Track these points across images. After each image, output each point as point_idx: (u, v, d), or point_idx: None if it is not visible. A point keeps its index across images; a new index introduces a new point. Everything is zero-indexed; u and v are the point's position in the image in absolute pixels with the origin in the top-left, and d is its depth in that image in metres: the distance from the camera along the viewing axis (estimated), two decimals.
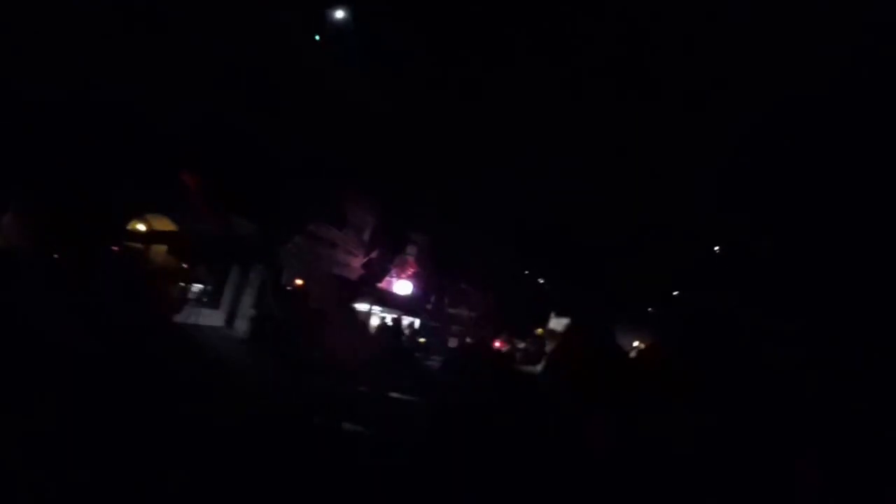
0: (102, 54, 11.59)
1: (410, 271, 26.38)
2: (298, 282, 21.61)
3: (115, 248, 12.55)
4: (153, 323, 11.94)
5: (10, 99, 10.39)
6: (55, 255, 10.98)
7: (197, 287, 16.24)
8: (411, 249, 26.84)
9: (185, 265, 14.81)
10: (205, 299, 16.53)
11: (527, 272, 33.72)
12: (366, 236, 24.09)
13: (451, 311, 31.23)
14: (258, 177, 15.43)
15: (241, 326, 16.27)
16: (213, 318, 16.24)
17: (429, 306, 29.19)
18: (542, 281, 34.40)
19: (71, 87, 11.02)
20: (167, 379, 7.52)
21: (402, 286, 25.49)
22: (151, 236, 14.12)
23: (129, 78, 11.98)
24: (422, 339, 23.51)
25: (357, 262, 23.11)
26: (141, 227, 14.01)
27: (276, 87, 15.65)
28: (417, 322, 22.01)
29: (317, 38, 16.40)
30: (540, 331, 33.77)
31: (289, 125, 15.88)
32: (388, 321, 19.87)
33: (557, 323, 34.04)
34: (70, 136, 11.16)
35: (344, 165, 18.41)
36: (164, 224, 14.15)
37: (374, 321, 19.18)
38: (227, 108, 14.21)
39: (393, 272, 25.22)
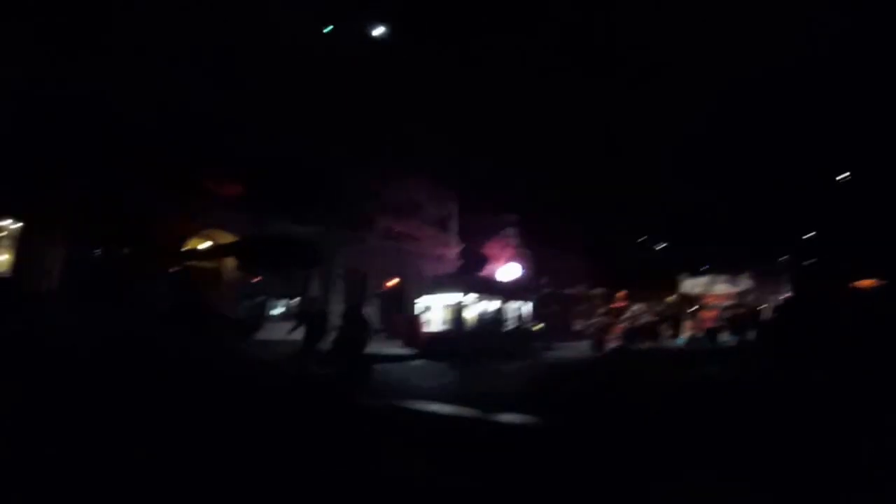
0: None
1: (512, 255, 24.37)
2: (391, 282, 20.41)
3: (173, 271, 12.15)
4: (229, 344, 11.31)
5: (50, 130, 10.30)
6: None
7: (282, 302, 15.69)
8: (508, 231, 24.85)
9: (256, 278, 14.23)
10: (290, 312, 15.95)
11: (644, 238, 30.31)
12: (452, 225, 22.54)
13: (569, 291, 28.61)
14: (310, 179, 14.59)
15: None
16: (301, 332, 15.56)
17: (546, 290, 26.94)
18: (663, 245, 30.75)
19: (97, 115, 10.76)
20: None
21: (507, 271, 23.54)
22: (220, 251, 13.65)
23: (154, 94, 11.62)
24: (539, 325, 21.44)
25: (451, 253, 21.61)
26: (206, 244, 13.60)
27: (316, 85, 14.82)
28: (528, 307, 19.98)
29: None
30: (682, 295, 30.09)
31: (331, 124, 14.99)
32: (490, 309, 18.06)
33: (693, 284, 30.23)
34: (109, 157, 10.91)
35: (404, 157, 17.19)
36: (227, 238, 13.62)
37: (474, 311, 17.45)
38: (268, 114, 13.54)
39: (493, 258, 23.40)
